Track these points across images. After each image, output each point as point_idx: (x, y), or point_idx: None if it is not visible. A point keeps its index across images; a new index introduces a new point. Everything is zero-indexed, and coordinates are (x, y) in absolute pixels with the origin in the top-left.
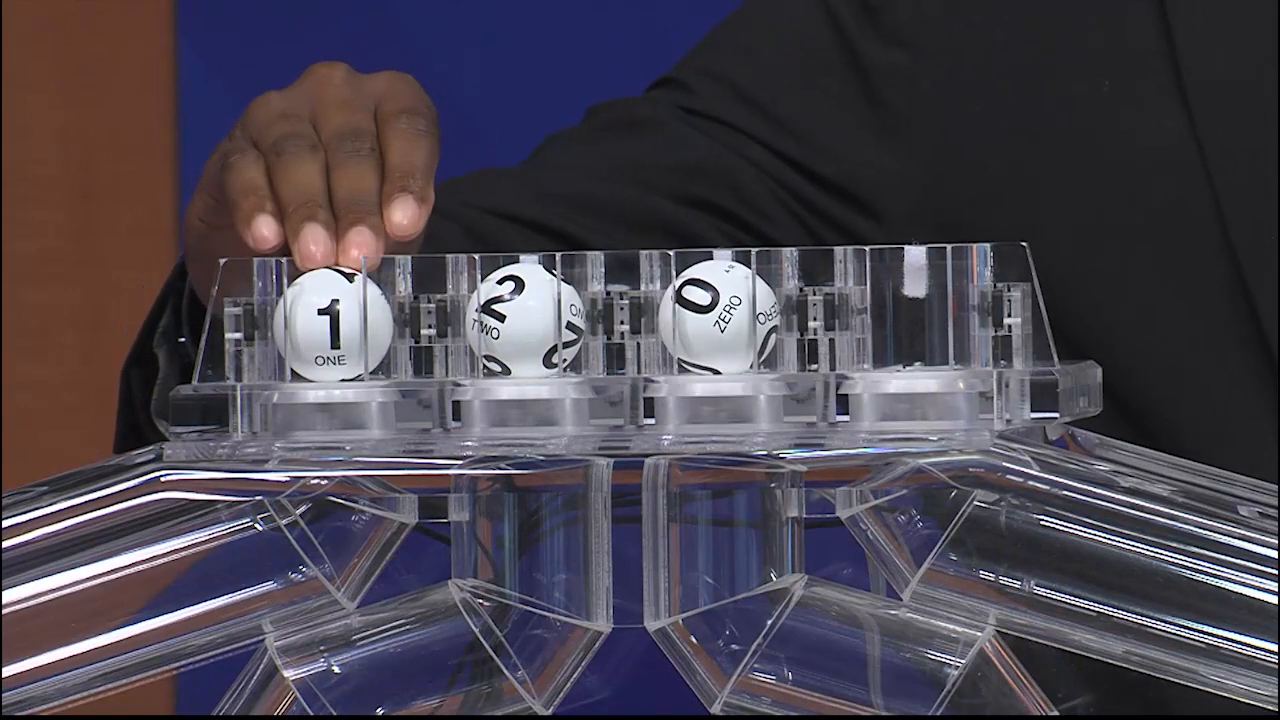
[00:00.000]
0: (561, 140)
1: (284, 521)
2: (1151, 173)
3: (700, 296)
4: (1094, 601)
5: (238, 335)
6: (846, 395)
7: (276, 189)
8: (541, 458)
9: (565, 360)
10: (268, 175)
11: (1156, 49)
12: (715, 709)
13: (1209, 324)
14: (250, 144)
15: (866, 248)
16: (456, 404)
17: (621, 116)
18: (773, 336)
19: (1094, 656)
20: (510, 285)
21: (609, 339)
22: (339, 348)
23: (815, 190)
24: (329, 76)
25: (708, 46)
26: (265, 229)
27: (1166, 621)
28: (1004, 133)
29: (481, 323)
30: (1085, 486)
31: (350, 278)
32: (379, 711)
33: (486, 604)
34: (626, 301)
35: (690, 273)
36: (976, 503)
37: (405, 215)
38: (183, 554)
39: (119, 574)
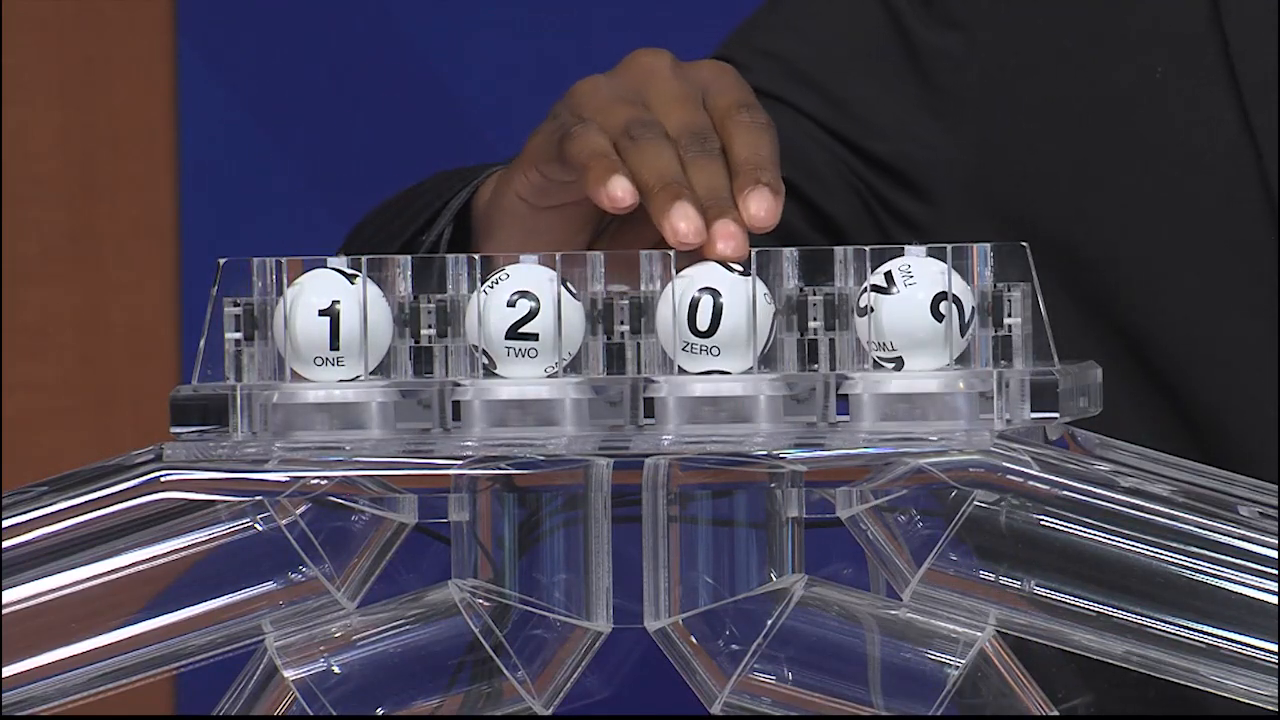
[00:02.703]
0: None
1: (284, 521)
2: (1203, 160)
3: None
4: (1094, 601)
5: (238, 335)
6: (846, 395)
7: (634, 171)
8: (541, 458)
9: None
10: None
11: (1208, 37)
12: (715, 709)
13: (1262, 315)
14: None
15: (867, 248)
16: (456, 404)
17: None
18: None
19: (1094, 656)
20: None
21: (609, 339)
22: (339, 349)
23: (869, 171)
24: (656, 67)
25: (758, 26)
26: (619, 189)
27: (1166, 621)
28: (1056, 118)
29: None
30: (1085, 486)
31: (351, 278)
32: (379, 711)
33: (486, 604)
34: (626, 301)
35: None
36: (976, 503)
37: (762, 208)
38: (183, 554)
39: (119, 574)
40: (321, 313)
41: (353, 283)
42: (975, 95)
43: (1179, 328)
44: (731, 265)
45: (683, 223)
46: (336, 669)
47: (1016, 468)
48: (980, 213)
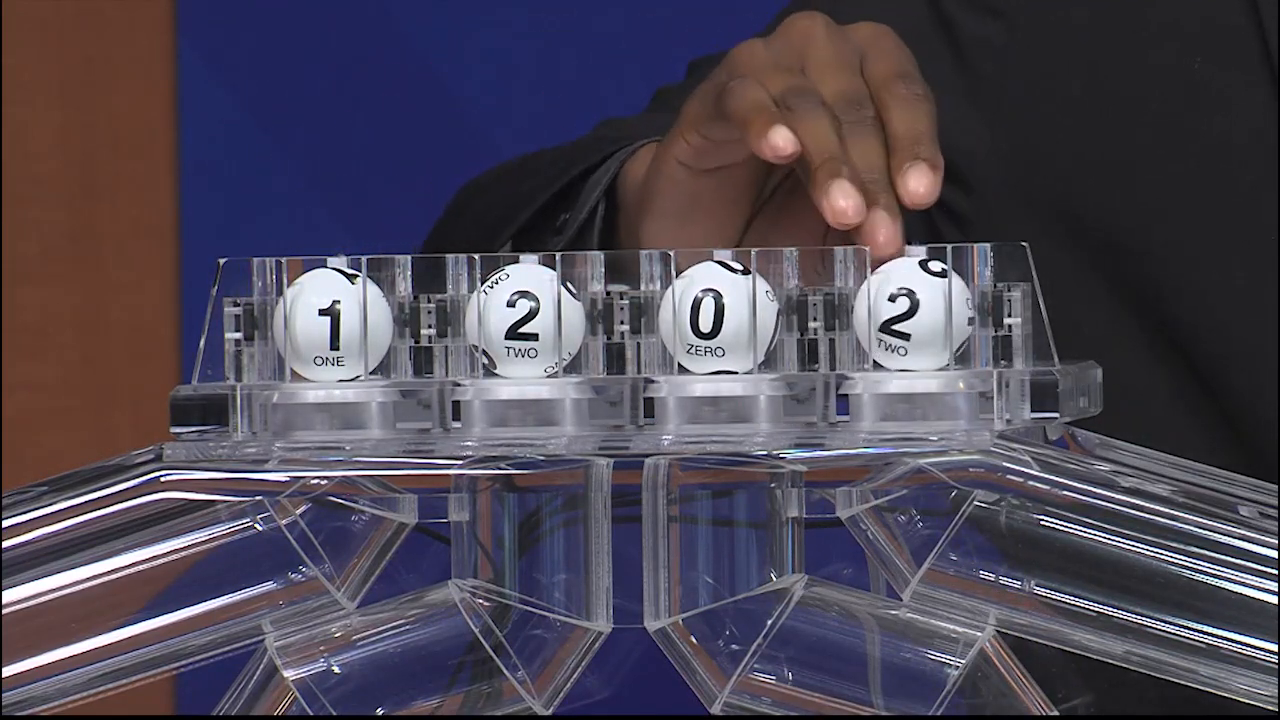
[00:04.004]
0: (680, 91)
1: (284, 521)
2: (1243, 152)
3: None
4: (1094, 601)
5: (238, 335)
6: (846, 395)
7: None
8: (541, 458)
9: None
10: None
11: (1246, 29)
12: (715, 709)
13: None
14: None
15: (867, 248)
16: (456, 404)
17: None
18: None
19: (1094, 656)
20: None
21: (609, 339)
22: (339, 349)
23: None
24: (812, 30)
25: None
26: (781, 138)
27: (1166, 621)
28: (1096, 108)
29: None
30: (1085, 486)
31: (351, 278)
32: (379, 711)
33: (486, 604)
34: (626, 301)
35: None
36: (976, 503)
37: (922, 184)
38: (183, 554)
39: (119, 574)
40: (322, 312)
41: (353, 283)
42: (1015, 85)
43: (1219, 318)
44: (732, 265)
45: (842, 200)
46: (336, 669)
47: (1016, 468)
48: (1020, 203)
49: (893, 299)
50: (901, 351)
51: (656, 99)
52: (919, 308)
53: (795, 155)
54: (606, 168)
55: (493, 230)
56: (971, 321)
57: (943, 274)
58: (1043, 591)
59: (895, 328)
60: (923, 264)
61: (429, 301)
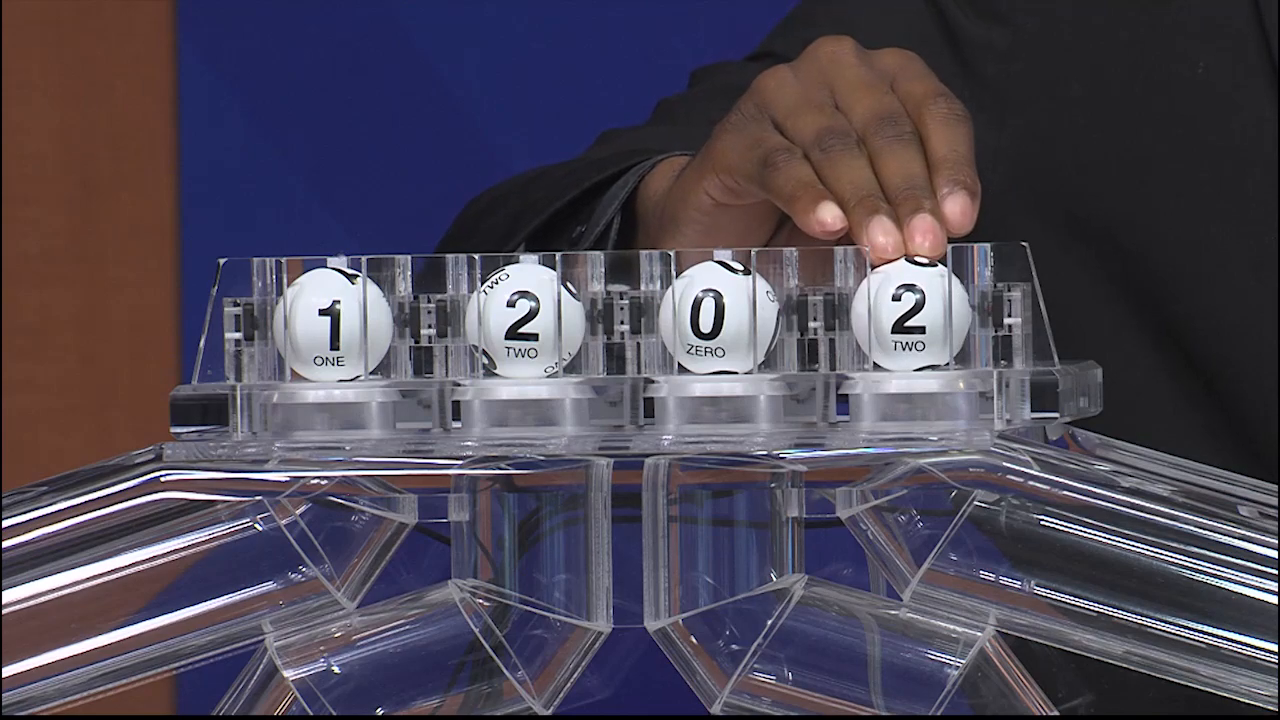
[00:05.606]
0: (683, 102)
1: (284, 521)
2: (1248, 155)
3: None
4: (1094, 601)
5: (238, 335)
6: (846, 395)
7: (829, 186)
8: (541, 458)
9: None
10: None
11: (1249, 33)
12: (715, 709)
13: None
14: (772, 125)
15: (867, 247)
16: (456, 404)
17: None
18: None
19: (1094, 656)
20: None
21: (609, 339)
22: (339, 349)
23: None
24: (841, 55)
25: (803, 20)
26: (829, 214)
27: (1166, 621)
28: (1101, 111)
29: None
30: (1085, 486)
31: (351, 278)
32: (379, 711)
33: (486, 604)
34: (626, 301)
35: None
36: (976, 503)
37: (957, 210)
38: (183, 554)
39: (119, 574)
40: (322, 312)
41: (353, 283)
42: (1019, 90)
43: (1222, 318)
44: (733, 265)
45: (881, 236)
46: (336, 669)
47: (1016, 468)
48: (1024, 204)
49: (897, 298)
50: (919, 347)
51: (659, 110)
52: (926, 300)
53: (843, 230)
54: (624, 182)
55: (504, 242)
56: (974, 306)
57: (931, 264)
58: (1043, 591)
59: (909, 324)
60: (909, 259)
61: (429, 301)
